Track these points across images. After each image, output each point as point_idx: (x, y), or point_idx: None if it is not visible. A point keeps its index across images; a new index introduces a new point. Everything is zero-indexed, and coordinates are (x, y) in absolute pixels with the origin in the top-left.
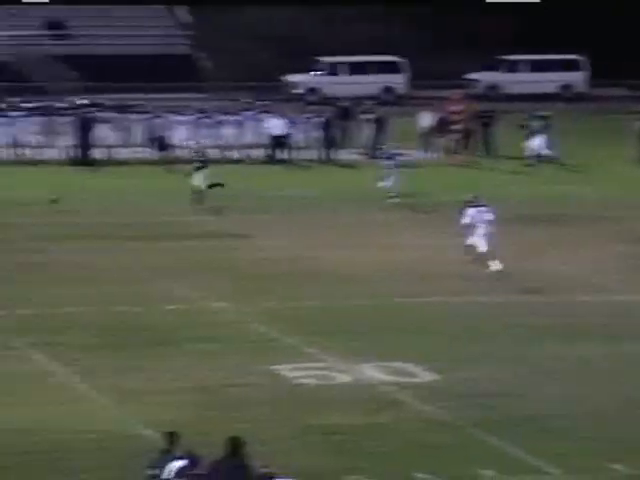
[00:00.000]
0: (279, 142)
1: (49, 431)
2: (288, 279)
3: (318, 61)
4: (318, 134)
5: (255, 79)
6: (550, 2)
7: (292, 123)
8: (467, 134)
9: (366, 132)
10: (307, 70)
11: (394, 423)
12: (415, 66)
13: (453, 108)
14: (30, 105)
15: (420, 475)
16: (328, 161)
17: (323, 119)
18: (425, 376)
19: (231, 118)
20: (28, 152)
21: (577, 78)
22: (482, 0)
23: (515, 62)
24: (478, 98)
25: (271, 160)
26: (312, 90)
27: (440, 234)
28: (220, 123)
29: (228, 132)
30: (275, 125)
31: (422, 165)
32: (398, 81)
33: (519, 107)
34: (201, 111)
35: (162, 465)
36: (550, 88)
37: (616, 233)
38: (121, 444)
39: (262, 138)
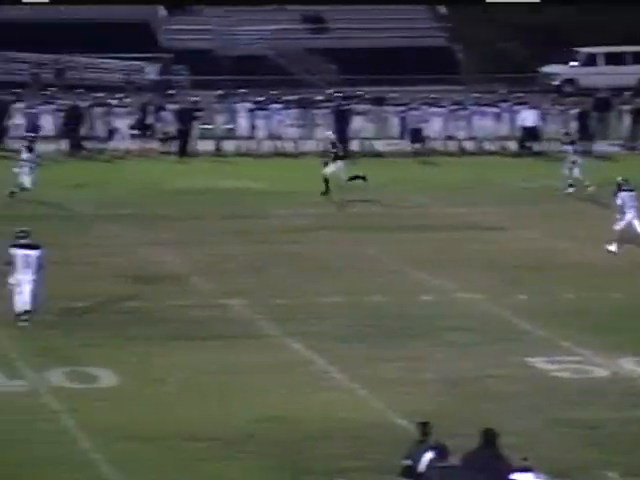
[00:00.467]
0: (531, 134)
1: (307, 419)
2: (542, 271)
3: (574, 52)
4: (573, 126)
5: (508, 70)
6: None
7: (545, 115)
8: None
9: (626, 123)
10: (564, 61)
11: None
12: None
13: None
14: (288, 98)
15: None
16: (584, 153)
17: (578, 110)
18: None
19: (487, 110)
20: (287, 145)
21: None
22: None
23: None
24: None
25: (524, 152)
26: (569, 81)
27: None
28: (475, 115)
29: (483, 124)
30: (527, 117)
31: None
32: None
33: None
34: (456, 103)
35: (417, 457)
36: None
37: None
38: (376, 433)
39: (517, 130)
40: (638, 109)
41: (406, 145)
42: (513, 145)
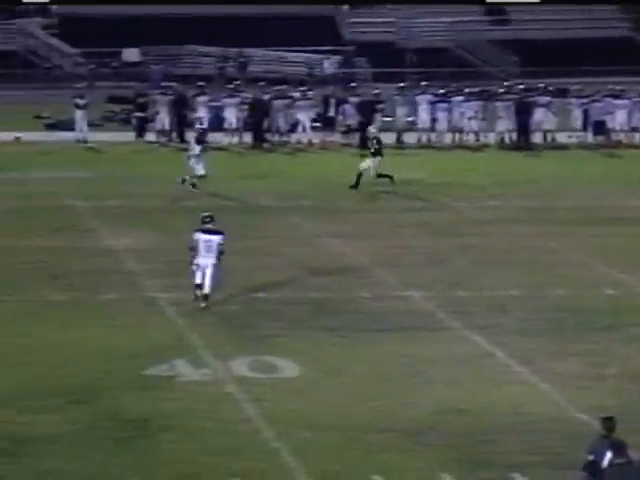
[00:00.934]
0: None
1: (486, 412)
2: None
3: None
4: None
5: None
6: None
7: None
8: None
9: None
10: None
11: None
12: None
13: None
14: (469, 90)
15: None
16: None
17: None
18: None
19: None
20: (467, 137)
21: None
22: None
23: None
24: None
25: None
26: None
27: None
28: None
29: None
30: None
31: None
32: None
33: None
34: None
35: (600, 452)
36: None
37: None
38: (558, 427)
39: None
40: None
41: (589, 137)
42: None
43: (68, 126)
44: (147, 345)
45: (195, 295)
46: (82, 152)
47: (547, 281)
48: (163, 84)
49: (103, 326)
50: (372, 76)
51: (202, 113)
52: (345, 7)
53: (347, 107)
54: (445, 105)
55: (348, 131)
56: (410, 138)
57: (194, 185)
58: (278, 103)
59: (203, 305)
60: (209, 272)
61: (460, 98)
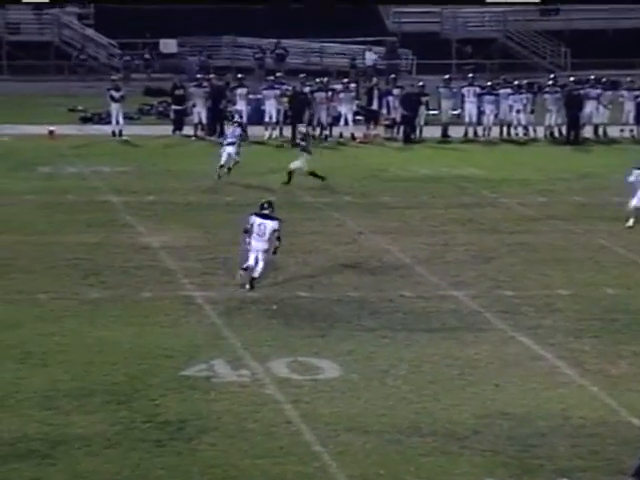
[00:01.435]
0: None
1: (535, 416)
2: None
3: None
4: None
5: None
6: None
7: None
8: None
9: None
10: None
11: None
12: None
13: None
14: (517, 82)
15: None
16: None
17: None
18: None
19: None
20: (515, 131)
21: None
22: None
23: None
24: None
25: None
26: None
27: None
28: None
29: None
30: None
31: None
32: None
33: None
34: None
35: None
36: None
37: None
38: (608, 432)
39: None
40: None
41: None
42: None
43: (103, 119)
44: (184, 345)
45: (239, 275)
46: (117, 146)
47: (598, 280)
48: (200, 76)
49: (139, 325)
50: (416, 68)
51: (241, 106)
52: None
53: (391, 100)
54: (492, 98)
55: (392, 125)
56: (456, 132)
57: (229, 169)
58: (319, 95)
59: (248, 288)
60: (260, 257)
61: (508, 90)
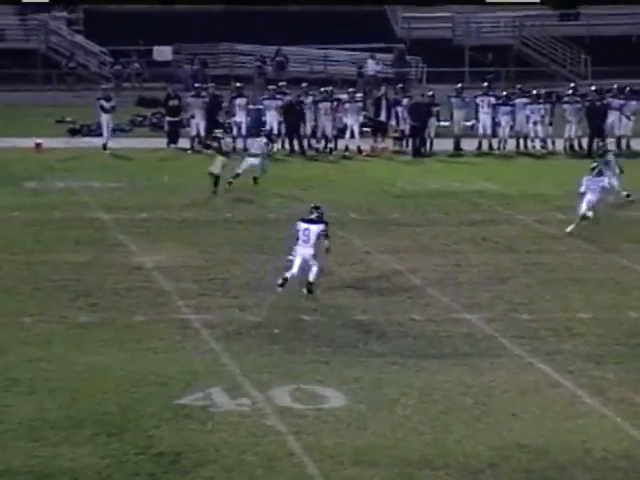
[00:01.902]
0: None
1: (554, 447)
2: None
3: None
4: None
5: None
6: None
7: None
8: None
9: None
10: None
11: None
12: None
13: None
14: (534, 92)
15: None
16: None
17: None
18: None
19: None
20: (532, 143)
21: None
22: None
23: None
24: None
25: None
26: None
27: None
28: None
29: None
30: None
31: None
32: None
33: None
34: None
35: None
36: None
37: None
38: (633, 465)
39: None
40: None
41: None
42: None
43: (93, 131)
44: (180, 371)
45: (281, 280)
46: (109, 160)
47: (620, 302)
48: (197, 85)
49: (132, 350)
50: (427, 76)
51: (240, 117)
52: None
53: (400, 110)
54: (508, 108)
55: (401, 137)
56: (469, 145)
57: (230, 183)
58: (324, 106)
59: (305, 292)
60: (311, 262)
61: (524, 100)
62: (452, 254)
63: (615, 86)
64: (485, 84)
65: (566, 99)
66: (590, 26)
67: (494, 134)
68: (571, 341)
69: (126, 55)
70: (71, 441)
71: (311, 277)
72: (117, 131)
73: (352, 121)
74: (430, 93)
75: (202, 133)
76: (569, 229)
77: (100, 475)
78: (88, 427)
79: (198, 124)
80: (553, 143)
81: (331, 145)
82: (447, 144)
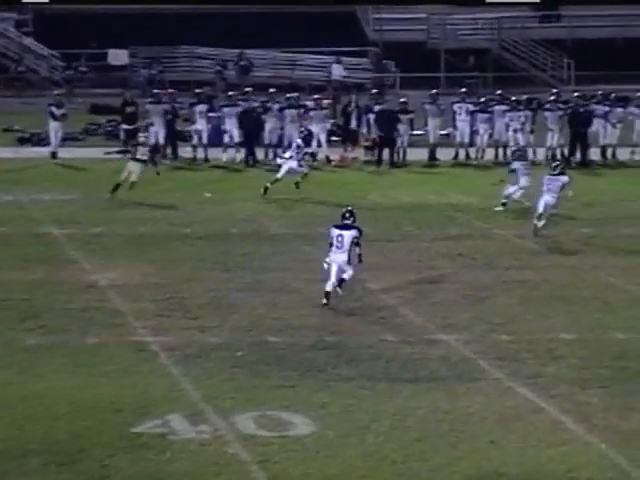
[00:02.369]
0: None
1: (536, 477)
2: None
3: None
4: None
5: None
6: None
7: None
8: None
9: None
10: None
11: None
12: None
13: None
14: (514, 98)
15: None
16: None
17: None
18: None
19: None
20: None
21: None
22: None
23: None
24: None
25: None
26: None
27: None
28: None
29: None
30: None
31: None
32: None
33: None
34: None
35: None
36: None
37: None
38: None
39: None
40: None
41: None
42: None
43: (43, 140)
44: (136, 397)
45: (324, 303)
46: (60, 170)
47: (607, 323)
48: (156, 91)
49: (84, 375)
50: (400, 81)
51: (201, 125)
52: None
53: (372, 118)
54: (486, 116)
55: (373, 146)
56: (445, 154)
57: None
58: (290, 113)
59: (339, 291)
60: (344, 267)
61: (504, 107)
62: (427, 271)
63: (599, 92)
64: (462, 90)
65: (547, 106)
66: (572, 28)
67: (472, 143)
68: (554, 364)
69: (78, 59)
70: (19, 471)
71: (345, 276)
72: (68, 140)
73: (318, 129)
74: (402, 99)
75: (161, 142)
76: (499, 208)
77: None
78: (37, 457)
79: (157, 132)
80: (534, 152)
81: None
82: (422, 154)
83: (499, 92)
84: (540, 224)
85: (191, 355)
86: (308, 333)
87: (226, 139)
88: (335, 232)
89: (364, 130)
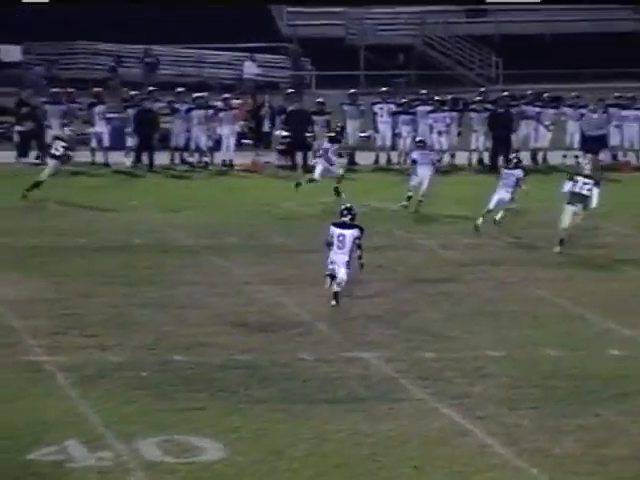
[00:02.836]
0: None
1: None
2: None
3: None
4: None
5: None
6: None
7: None
8: None
9: None
10: None
11: None
12: None
13: None
14: (439, 99)
15: None
16: None
17: None
18: None
19: None
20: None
21: None
22: None
23: None
24: None
25: None
26: None
27: None
28: None
29: None
30: None
31: None
32: None
33: None
34: None
35: None
36: None
37: None
38: None
39: None
40: None
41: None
42: None
43: None
44: (30, 422)
45: (333, 304)
46: None
47: (537, 339)
48: (54, 90)
49: None
50: (316, 80)
51: (100, 127)
52: None
53: (284, 119)
54: (409, 117)
55: (286, 150)
56: (364, 158)
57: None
58: (197, 114)
59: (334, 303)
60: (342, 270)
61: (428, 108)
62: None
63: (529, 92)
64: (383, 89)
65: (473, 106)
66: (500, 24)
67: (393, 146)
68: (481, 383)
69: None
70: None
71: (338, 287)
72: None
73: (228, 131)
74: (319, 100)
75: None
76: (479, 221)
77: None
78: None
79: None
80: (452, 156)
81: (206, 159)
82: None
83: (423, 92)
84: (498, 217)
85: (90, 376)
86: (218, 351)
87: (128, 142)
88: (336, 231)
89: (277, 132)
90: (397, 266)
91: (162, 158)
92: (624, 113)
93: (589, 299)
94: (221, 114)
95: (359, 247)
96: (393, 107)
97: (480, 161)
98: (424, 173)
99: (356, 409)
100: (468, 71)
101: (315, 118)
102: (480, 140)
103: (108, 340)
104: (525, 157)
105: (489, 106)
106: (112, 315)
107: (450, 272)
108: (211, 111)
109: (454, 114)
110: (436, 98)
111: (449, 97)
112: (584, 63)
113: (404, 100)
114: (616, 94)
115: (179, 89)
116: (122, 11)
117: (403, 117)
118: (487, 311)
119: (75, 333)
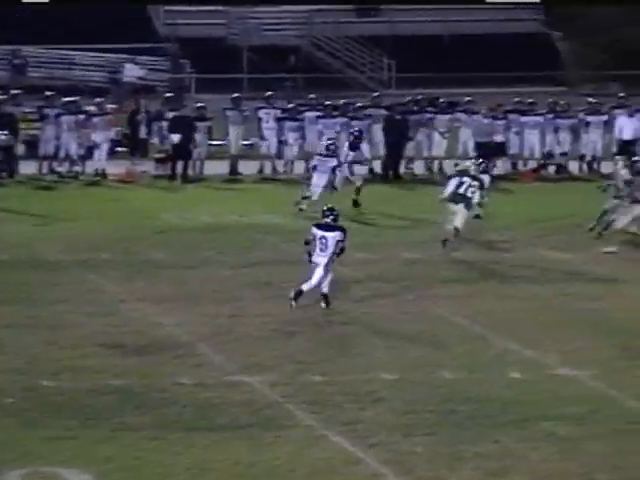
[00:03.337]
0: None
1: None
2: None
3: None
4: None
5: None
6: None
7: None
8: None
9: None
10: None
11: None
12: None
13: None
14: (328, 103)
15: None
16: None
17: None
18: None
19: (595, 119)
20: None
21: None
22: None
23: None
24: None
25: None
26: None
27: None
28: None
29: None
30: (625, 127)
31: None
32: None
33: None
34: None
35: None
36: None
37: None
38: None
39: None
40: None
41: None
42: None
43: None
44: None
45: (291, 305)
46: None
47: (434, 361)
48: None
49: None
50: (196, 83)
51: None
52: None
53: (165, 125)
54: (296, 124)
55: (165, 158)
56: (249, 168)
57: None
58: (68, 120)
59: (324, 306)
60: (325, 272)
61: (316, 114)
62: (227, 303)
63: (420, 97)
64: (268, 93)
65: (366, 112)
66: (393, 24)
67: (279, 155)
68: (373, 408)
69: None
70: None
71: (325, 289)
72: None
73: (101, 138)
74: (200, 104)
75: None
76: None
77: None
78: None
79: None
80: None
81: (77, 168)
82: (222, 167)
83: (312, 96)
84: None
85: None
86: (90, 375)
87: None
88: (318, 233)
89: (155, 140)
90: (284, 283)
91: (29, 168)
92: (523, 119)
93: (489, 318)
94: (94, 119)
95: (342, 250)
96: (279, 112)
97: (370, 170)
98: (318, 182)
99: (239, 437)
100: (359, 74)
101: (197, 124)
102: (373, 148)
103: None
104: (418, 166)
105: (383, 111)
106: None
107: (340, 289)
108: (82, 116)
109: (345, 120)
110: (327, 103)
111: (342, 102)
112: (485, 66)
113: (291, 105)
114: (516, 99)
115: (48, 93)
116: None
117: (290, 124)
118: (380, 330)
119: None
